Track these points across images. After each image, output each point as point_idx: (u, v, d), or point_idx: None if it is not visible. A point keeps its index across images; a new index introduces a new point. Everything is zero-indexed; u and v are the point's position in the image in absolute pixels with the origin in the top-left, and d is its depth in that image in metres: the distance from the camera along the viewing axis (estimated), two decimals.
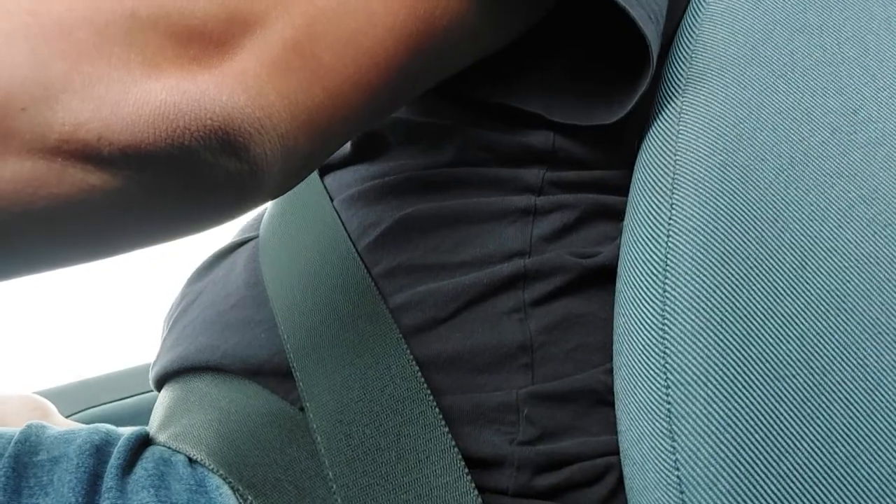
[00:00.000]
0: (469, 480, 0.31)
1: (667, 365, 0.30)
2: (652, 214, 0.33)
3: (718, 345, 0.29)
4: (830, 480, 0.29)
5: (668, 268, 0.31)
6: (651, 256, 0.32)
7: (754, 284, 0.30)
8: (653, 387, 0.30)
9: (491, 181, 0.37)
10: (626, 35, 0.36)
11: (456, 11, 0.29)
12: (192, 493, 0.32)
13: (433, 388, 0.33)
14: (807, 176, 0.33)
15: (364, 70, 0.27)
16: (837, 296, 0.31)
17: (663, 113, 0.36)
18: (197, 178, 0.24)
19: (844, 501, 0.28)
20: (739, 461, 0.28)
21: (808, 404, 0.29)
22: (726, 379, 0.29)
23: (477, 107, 0.37)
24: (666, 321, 0.31)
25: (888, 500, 0.29)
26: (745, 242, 0.31)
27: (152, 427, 0.38)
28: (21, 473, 0.31)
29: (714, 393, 0.29)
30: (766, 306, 0.30)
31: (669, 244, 0.32)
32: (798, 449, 0.29)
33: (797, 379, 0.29)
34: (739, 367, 0.29)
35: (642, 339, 0.31)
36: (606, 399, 0.34)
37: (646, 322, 0.31)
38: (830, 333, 0.30)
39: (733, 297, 0.30)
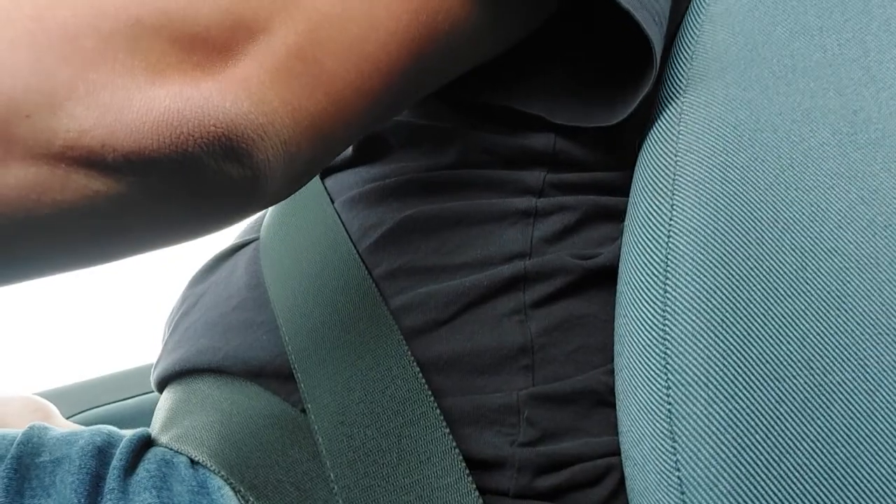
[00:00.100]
0: (470, 482, 0.31)
1: (668, 366, 0.30)
2: (652, 216, 0.33)
3: (719, 346, 0.29)
4: (831, 481, 0.29)
5: (668, 269, 0.31)
6: (652, 257, 0.32)
7: (755, 285, 0.30)
8: (654, 388, 0.30)
9: (492, 183, 0.37)
10: (627, 37, 0.36)
11: (458, 16, 0.29)
12: (194, 495, 0.32)
13: (434, 389, 0.33)
14: (807, 177, 0.33)
15: (367, 75, 0.27)
16: (838, 297, 0.31)
17: (664, 114, 0.36)
18: (200, 184, 0.24)
19: (845, 502, 0.28)
20: (740, 462, 0.28)
21: (809, 405, 0.29)
22: (727, 380, 0.29)
23: (478, 110, 0.37)
24: (667, 322, 0.31)
25: (889, 500, 0.29)
26: (745, 243, 0.31)
27: (154, 429, 0.38)
28: (23, 475, 0.31)
29: (715, 394, 0.29)
30: (766, 307, 0.30)
31: (670, 245, 0.32)
32: (798, 449, 0.29)
33: (797, 380, 0.29)
34: (740, 367, 0.29)
35: (643, 339, 0.31)
36: (607, 400, 0.34)
37: (647, 323, 0.31)
38: (831, 334, 0.30)
39: (734, 297, 0.30)
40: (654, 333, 0.31)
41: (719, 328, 0.30)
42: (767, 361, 0.29)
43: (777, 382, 0.29)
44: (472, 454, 0.32)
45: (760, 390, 0.29)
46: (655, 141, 0.35)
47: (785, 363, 0.30)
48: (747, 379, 0.29)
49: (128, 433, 0.35)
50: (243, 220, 0.28)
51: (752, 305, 0.30)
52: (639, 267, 0.33)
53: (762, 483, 0.28)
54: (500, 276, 0.35)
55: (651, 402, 0.30)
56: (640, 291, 0.32)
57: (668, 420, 0.29)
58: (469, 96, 0.37)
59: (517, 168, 0.37)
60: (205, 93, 0.23)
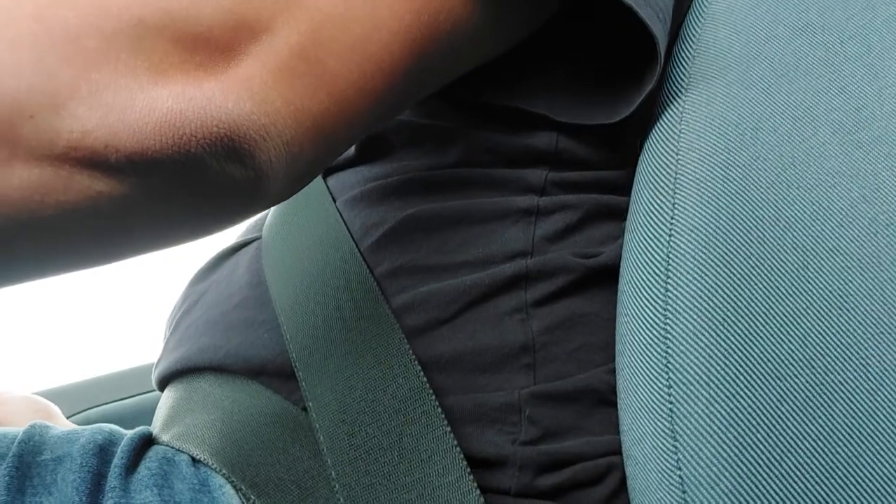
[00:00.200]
0: (471, 480, 0.31)
1: (669, 365, 0.30)
2: (654, 214, 0.33)
3: (720, 345, 0.29)
4: (832, 480, 0.29)
5: (670, 268, 0.31)
6: (653, 256, 0.32)
7: (756, 284, 0.30)
8: (655, 386, 0.30)
9: (494, 182, 0.37)
10: (629, 34, 0.36)
11: (460, 16, 0.29)
12: (195, 493, 0.32)
13: (435, 388, 0.33)
14: (809, 175, 0.33)
15: (369, 75, 0.27)
16: (839, 295, 0.31)
17: (665, 113, 0.36)
18: (202, 184, 0.24)
19: (846, 501, 0.28)
20: (741, 461, 0.28)
21: (810, 404, 0.29)
22: (728, 378, 0.29)
23: (480, 109, 0.37)
24: (668, 321, 0.31)
25: (890, 499, 0.29)
26: (746, 242, 0.31)
27: (155, 427, 0.38)
28: (25, 473, 0.31)
29: (716, 393, 0.29)
30: (767, 306, 0.30)
31: (671, 244, 0.32)
32: (800, 449, 0.29)
33: (799, 379, 0.29)
34: (741, 366, 0.29)
35: (644, 338, 0.31)
36: (609, 399, 0.34)
37: (648, 322, 0.31)
38: (832, 333, 0.30)
39: (735, 296, 0.30)
40: (655, 332, 0.31)
41: (721, 327, 0.30)
42: (769, 360, 0.29)
43: (778, 381, 0.29)
44: (473, 453, 0.32)
45: (762, 389, 0.29)
46: (657, 139, 0.35)
47: (786, 362, 0.30)
48: (749, 378, 0.29)
49: (129, 432, 0.35)
50: (246, 220, 0.28)
51: (753, 304, 0.30)
52: (640, 265, 0.33)
53: (763, 482, 0.28)
54: (501, 275, 0.35)
55: (652, 400, 0.30)
56: (642, 290, 0.32)
57: (670, 419, 0.29)
58: (471, 96, 0.37)
59: (519, 167, 0.37)
60: (207, 93, 0.23)
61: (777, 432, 0.29)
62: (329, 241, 0.38)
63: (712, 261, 0.31)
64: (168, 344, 0.42)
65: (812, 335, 0.30)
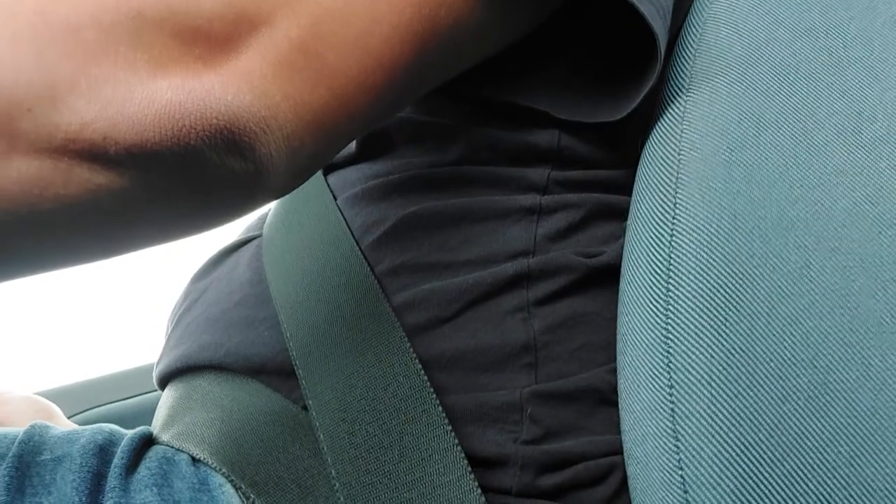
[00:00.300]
0: (472, 479, 0.31)
1: (670, 364, 0.30)
2: (655, 213, 0.33)
3: (722, 344, 0.29)
4: (834, 480, 0.28)
5: (671, 267, 0.31)
6: (654, 255, 0.32)
7: (758, 284, 0.30)
8: (656, 386, 0.30)
9: (496, 180, 0.37)
10: (630, 32, 0.36)
11: (461, 11, 0.29)
12: (195, 492, 0.32)
13: (436, 387, 0.33)
14: (811, 175, 0.33)
15: (369, 70, 0.27)
16: (842, 295, 0.31)
17: (667, 112, 0.36)
18: (202, 177, 0.24)
19: (847, 501, 0.28)
20: (743, 461, 0.28)
21: (812, 404, 0.29)
22: (730, 378, 0.29)
23: (482, 106, 0.37)
24: (669, 320, 0.31)
25: (892, 499, 0.29)
26: (748, 241, 0.31)
27: (155, 426, 0.38)
28: (25, 473, 0.31)
29: (718, 392, 0.29)
30: (769, 306, 0.30)
31: (673, 243, 0.32)
32: (802, 448, 0.28)
33: (801, 379, 0.29)
34: (743, 366, 0.29)
35: (646, 338, 0.31)
36: (610, 398, 0.34)
37: (649, 321, 0.31)
38: (835, 333, 0.30)
39: (737, 296, 0.30)
40: (656, 332, 0.31)
41: (722, 327, 0.30)
42: (770, 360, 0.29)
43: (780, 381, 0.29)
44: (474, 452, 0.32)
45: (763, 389, 0.29)
46: (658, 139, 0.35)
47: (788, 362, 0.29)
48: (750, 377, 0.29)
49: (129, 432, 0.35)
50: (246, 214, 0.28)
51: (755, 304, 0.30)
52: (642, 265, 0.33)
53: (765, 482, 0.28)
54: (503, 274, 0.35)
55: (654, 400, 0.30)
56: (643, 290, 0.32)
57: (671, 419, 0.29)
58: (472, 91, 0.37)
59: (521, 165, 0.37)
60: (207, 85, 0.23)
61: (779, 432, 0.28)
62: (329, 238, 0.38)
63: (714, 260, 0.31)
64: (169, 341, 0.42)
65: (814, 335, 0.30)
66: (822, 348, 0.30)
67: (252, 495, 0.32)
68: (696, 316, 0.30)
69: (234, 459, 0.33)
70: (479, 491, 0.30)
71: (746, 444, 0.28)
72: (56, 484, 0.31)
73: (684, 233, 0.32)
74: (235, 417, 0.35)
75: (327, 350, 0.34)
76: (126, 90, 0.22)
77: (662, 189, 0.33)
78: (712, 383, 0.29)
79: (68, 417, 0.68)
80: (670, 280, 0.31)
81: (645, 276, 0.32)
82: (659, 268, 0.32)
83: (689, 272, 0.31)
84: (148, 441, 0.35)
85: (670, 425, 0.29)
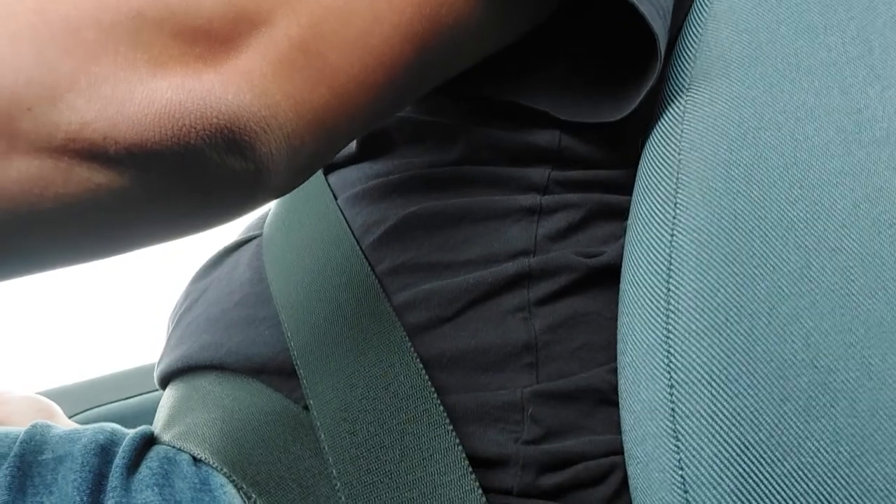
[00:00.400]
0: (473, 479, 0.31)
1: (671, 364, 0.30)
2: (656, 213, 0.33)
3: (722, 344, 0.29)
4: (834, 480, 0.28)
5: (672, 267, 0.31)
6: (655, 255, 0.32)
7: (759, 283, 0.30)
8: (657, 386, 0.30)
9: (496, 180, 0.37)
10: (631, 32, 0.36)
11: (462, 10, 0.29)
12: (197, 492, 0.32)
13: (437, 386, 0.33)
14: (811, 175, 0.33)
15: (370, 69, 0.27)
16: (842, 295, 0.31)
17: (667, 112, 0.36)
18: (202, 176, 0.24)
19: (848, 500, 0.28)
20: (743, 461, 0.28)
21: (812, 404, 0.29)
22: (730, 378, 0.29)
23: (482, 106, 0.37)
24: (670, 320, 0.31)
25: (893, 499, 0.29)
26: (749, 241, 0.31)
27: (157, 426, 0.38)
28: (26, 472, 0.31)
29: (718, 392, 0.29)
30: (770, 306, 0.30)
31: (673, 243, 0.32)
32: (802, 448, 0.29)
33: (801, 378, 0.29)
34: (743, 366, 0.29)
35: (646, 338, 0.31)
36: (611, 398, 0.34)
37: (650, 321, 0.31)
38: (835, 333, 0.30)
39: (737, 296, 0.30)
40: (657, 332, 0.31)
41: (723, 326, 0.30)
42: (771, 360, 0.29)
43: (780, 381, 0.29)
44: (475, 452, 0.32)
45: (764, 389, 0.29)
46: (659, 139, 0.35)
47: (788, 362, 0.29)
48: (751, 377, 0.29)
49: (130, 431, 0.35)
50: (246, 213, 0.28)
51: (755, 304, 0.30)
52: (642, 265, 0.33)
53: (765, 482, 0.28)
54: (504, 274, 0.35)
55: (654, 400, 0.30)
56: (644, 289, 0.32)
57: (672, 419, 0.29)
58: (473, 91, 0.37)
59: (522, 165, 0.37)
60: (207, 85, 0.23)
61: (779, 432, 0.28)
62: (330, 238, 0.38)
63: (714, 260, 0.31)
64: (170, 341, 0.42)
65: (814, 335, 0.30)
66: (822, 348, 0.30)
67: (253, 495, 0.32)
68: (697, 316, 0.30)
69: (235, 459, 0.33)
70: (480, 491, 0.30)
71: (746, 444, 0.28)
72: (57, 483, 0.31)
73: (685, 233, 0.32)
74: (236, 417, 0.35)
75: (328, 350, 0.34)
76: (126, 89, 0.22)
77: (663, 189, 0.33)
78: (712, 383, 0.29)
79: (69, 417, 0.68)
80: (671, 280, 0.31)
81: (645, 275, 0.33)
82: (659, 268, 0.32)
83: (690, 272, 0.31)
84: (149, 441, 0.35)
85: (671, 425, 0.29)
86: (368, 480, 0.31)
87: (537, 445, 0.33)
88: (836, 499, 0.28)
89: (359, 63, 0.26)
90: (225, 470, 0.33)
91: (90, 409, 0.86)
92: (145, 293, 1.13)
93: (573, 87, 0.37)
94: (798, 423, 0.29)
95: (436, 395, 0.32)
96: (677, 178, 0.33)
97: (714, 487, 0.28)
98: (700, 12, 0.38)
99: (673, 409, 0.30)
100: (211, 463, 0.33)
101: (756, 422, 0.28)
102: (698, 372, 0.29)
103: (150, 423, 0.39)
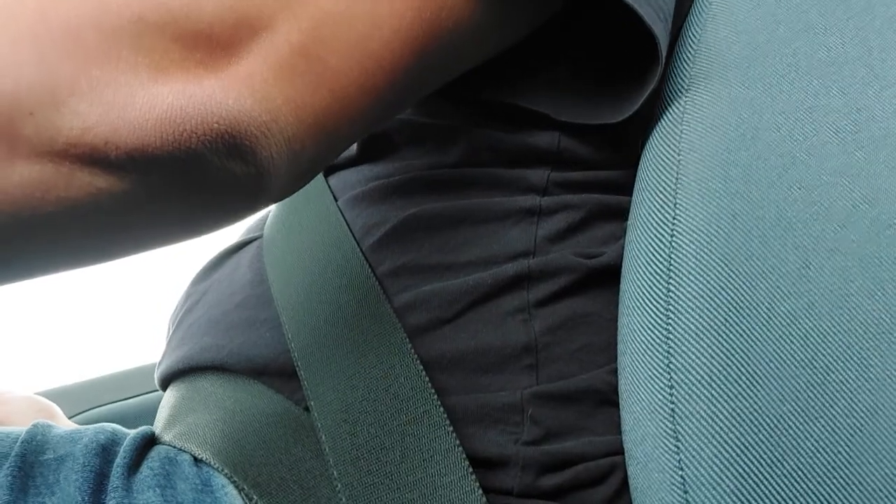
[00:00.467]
0: (474, 480, 0.31)
1: (671, 365, 0.30)
2: (656, 214, 0.33)
3: (722, 345, 0.29)
4: (834, 480, 0.29)
5: (671, 267, 0.31)
6: (655, 256, 0.32)
7: (757, 284, 0.30)
8: (657, 387, 0.30)
9: (496, 181, 0.37)
10: (631, 34, 0.36)
11: (461, 14, 0.29)
12: (198, 493, 0.32)
13: (437, 388, 0.33)
14: (810, 175, 0.33)
15: (370, 73, 0.27)
16: (840, 295, 0.31)
17: (667, 113, 0.36)
18: (203, 181, 0.24)
19: (848, 500, 0.28)
20: (743, 461, 0.28)
21: (812, 404, 0.29)
22: (730, 379, 0.29)
23: (482, 108, 0.37)
24: (670, 321, 0.31)
25: (892, 500, 0.29)
26: (748, 242, 0.31)
27: (158, 426, 0.38)
28: (27, 472, 0.31)
29: (718, 393, 0.29)
30: (769, 306, 0.30)
31: (673, 244, 0.32)
32: (801, 449, 0.29)
33: (801, 379, 0.29)
34: (743, 366, 0.29)
35: (646, 338, 0.32)
36: (611, 399, 0.34)
37: (650, 322, 0.31)
38: (834, 333, 0.30)
39: (737, 296, 0.30)
40: (657, 332, 0.31)
41: (722, 327, 0.30)
42: (770, 360, 0.29)
43: (780, 381, 0.29)
44: (475, 453, 0.32)
45: (763, 389, 0.29)
46: (658, 139, 0.35)
47: (787, 362, 0.30)
48: (750, 378, 0.29)
49: (132, 431, 0.35)
50: (247, 217, 0.28)
51: (754, 304, 0.30)
52: (642, 265, 0.33)
53: (765, 482, 0.28)
54: (504, 275, 0.35)
55: (654, 401, 0.30)
56: (644, 290, 0.32)
57: (672, 419, 0.30)
58: (473, 93, 0.37)
59: (521, 166, 0.37)
60: (208, 90, 0.23)
61: (778, 432, 0.29)
62: (330, 240, 0.38)
63: (714, 261, 0.31)
64: (170, 343, 0.42)
65: (813, 335, 0.30)
66: (820, 348, 0.30)
67: (254, 496, 0.32)
68: (697, 316, 0.30)
69: (236, 460, 0.33)
70: (481, 492, 0.31)
71: (746, 444, 0.28)
72: (59, 483, 0.31)
73: (684, 233, 0.32)
74: (238, 418, 0.35)
75: (329, 351, 0.34)
76: (127, 94, 0.22)
77: (662, 190, 0.34)
78: (712, 383, 0.29)
79: (69, 417, 0.68)
80: (671, 280, 0.31)
81: (645, 276, 0.33)
82: (659, 268, 0.32)
83: (690, 273, 0.31)
84: (150, 441, 0.35)
85: (671, 426, 0.29)
86: (369, 481, 0.31)
87: (537, 446, 0.33)
88: (836, 499, 0.28)
89: (359, 67, 0.26)
90: (226, 471, 0.33)
91: (90, 409, 0.86)
92: (145, 294, 1.13)
93: (573, 89, 0.37)
94: (797, 423, 0.29)
95: (436, 396, 0.32)
96: (677, 179, 0.33)
97: (714, 487, 0.28)
98: (700, 13, 0.38)
99: (673, 410, 0.30)
100: (212, 464, 0.33)
101: (755, 422, 0.28)
102: (698, 372, 0.29)
103: (151, 424, 0.39)
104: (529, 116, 0.36)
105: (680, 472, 0.29)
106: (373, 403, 0.33)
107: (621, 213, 0.37)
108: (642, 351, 0.32)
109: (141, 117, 0.22)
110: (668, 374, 0.30)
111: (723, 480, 0.28)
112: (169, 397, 0.40)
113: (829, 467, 0.29)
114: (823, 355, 0.30)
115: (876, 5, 0.39)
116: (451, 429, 0.32)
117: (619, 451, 0.33)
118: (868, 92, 0.36)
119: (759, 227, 0.31)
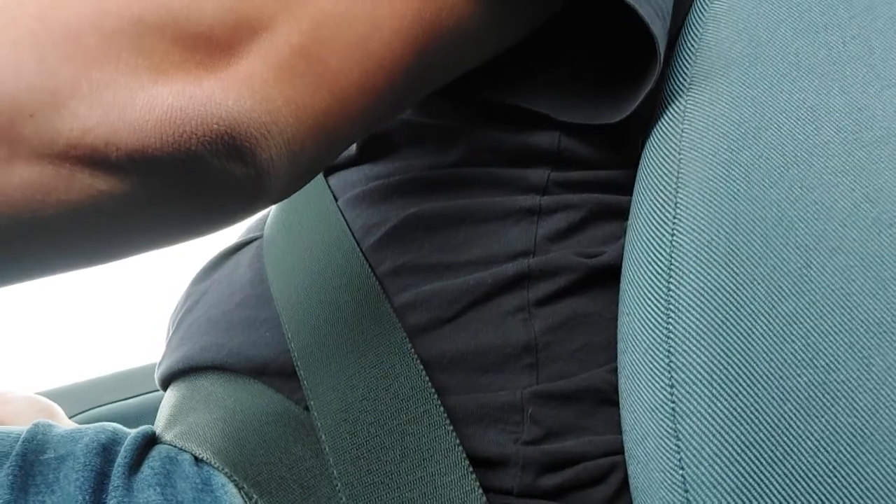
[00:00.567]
0: (474, 479, 0.31)
1: (671, 364, 0.30)
2: (656, 214, 0.33)
3: (723, 344, 0.29)
4: (834, 479, 0.29)
5: (672, 267, 0.31)
6: (655, 255, 0.32)
7: (758, 283, 0.30)
8: (657, 386, 0.30)
9: (496, 181, 0.37)
10: (630, 33, 0.36)
11: (462, 14, 0.29)
12: (198, 492, 0.32)
13: (437, 387, 0.33)
14: (811, 174, 0.33)
15: (370, 74, 0.27)
16: (841, 295, 0.31)
17: (667, 112, 0.36)
18: (203, 182, 0.24)
19: (848, 500, 0.28)
20: (744, 460, 0.28)
21: (812, 403, 0.29)
22: (730, 378, 0.29)
23: (483, 108, 0.37)
24: (670, 320, 0.31)
25: (893, 499, 0.29)
26: (749, 241, 0.31)
27: (158, 426, 0.38)
28: (28, 472, 0.31)
29: (718, 392, 0.29)
30: (770, 305, 0.30)
31: (674, 243, 0.32)
32: (802, 447, 0.29)
33: (801, 378, 0.29)
34: (743, 365, 0.29)
35: (647, 338, 0.31)
36: (611, 398, 0.34)
37: (650, 321, 0.31)
38: (834, 332, 0.30)
39: (737, 295, 0.30)
40: (657, 332, 0.31)
41: (723, 326, 0.30)
42: (771, 359, 0.29)
43: (780, 380, 0.29)
44: (475, 452, 0.32)
45: (764, 388, 0.29)
46: (659, 139, 0.35)
47: (788, 361, 0.30)
48: (751, 377, 0.29)
49: (132, 431, 0.35)
50: (247, 218, 0.28)
51: (755, 303, 0.30)
52: (642, 265, 0.33)
53: (766, 481, 0.28)
54: (504, 274, 0.35)
55: (654, 400, 0.30)
56: (644, 289, 0.32)
57: (672, 418, 0.29)
58: (472, 94, 0.37)
59: (521, 166, 0.37)
60: (207, 91, 0.23)
61: (779, 432, 0.29)
62: (330, 240, 0.38)
63: (714, 260, 0.31)
64: (170, 343, 0.42)
65: (814, 334, 0.30)
66: (822, 347, 0.30)
67: (254, 495, 0.32)
68: (697, 316, 0.30)
69: (236, 460, 0.33)
70: (481, 491, 0.31)
71: (747, 443, 0.28)
72: (60, 483, 0.31)
73: (685, 233, 0.32)
74: (238, 418, 0.35)
75: (329, 351, 0.34)
76: (127, 95, 0.22)
77: (663, 189, 0.34)
78: (713, 383, 0.29)
79: (70, 417, 0.68)
80: (671, 280, 0.31)
81: (646, 275, 0.33)
82: (660, 267, 0.32)
83: (690, 272, 0.31)
84: (151, 440, 0.35)
85: (671, 425, 0.29)
86: (369, 481, 0.31)
87: (537, 446, 0.33)
88: (836, 498, 0.28)
89: (359, 68, 0.26)
90: (226, 470, 0.33)
91: (91, 409, 0.86)
92: (146, 294, 1.13)
93: (573, 89, 0.37)
94: (798, 423, 0.29)
95: (436, 396, 0.32)
96: (677, 178, 0.33)
97: (714, 487, 0.28)
98: (700, 12, 0.38)
99: (673, 409, 0.30)
100: (212, 463, 0.33)
101: (756, 421, 0.28)
102: (698, 372, 0.29)
103: (152, 424, 0.39)
104: (529, 116, 0.36)
105: (680, 472, 0.29)
106: (373, 403, 0.33)
107: (621, 213, 0.37)
108: (643, 350, 0.32)
109: (141, 118, 0.22)
110: (669, 372, 0.30)
111: (723, 479, 0.28)
112: (169, 397, 0.40)
113: (830, 466, 0.29)
114: (824, 354, 0.30)
115: (878, 5, 0.39)
116: (451, 428, 0.32)
117: (620, 450, 0.33)
118: (869, 91, 0.36)
119: (760, 226, 0.31)
